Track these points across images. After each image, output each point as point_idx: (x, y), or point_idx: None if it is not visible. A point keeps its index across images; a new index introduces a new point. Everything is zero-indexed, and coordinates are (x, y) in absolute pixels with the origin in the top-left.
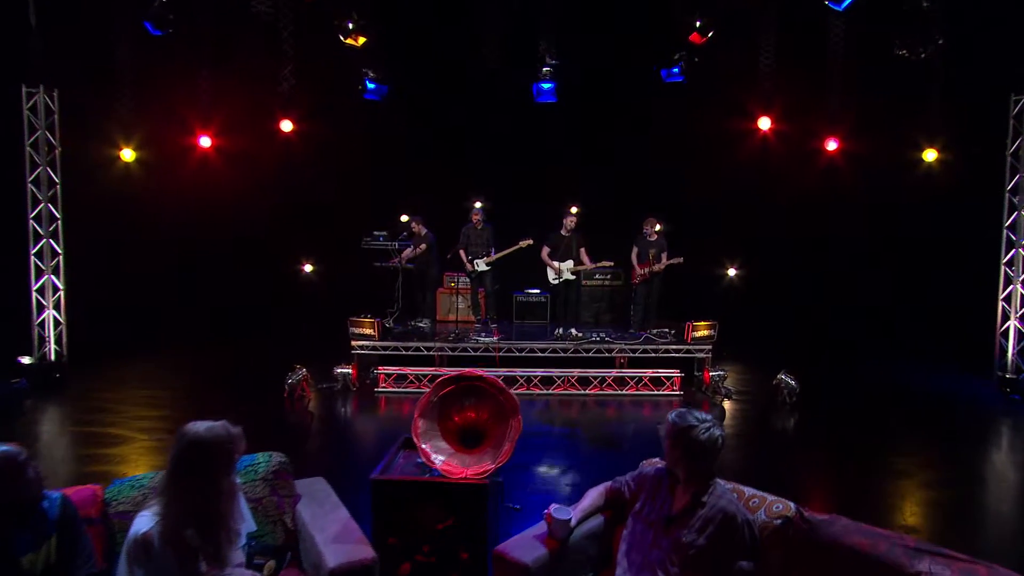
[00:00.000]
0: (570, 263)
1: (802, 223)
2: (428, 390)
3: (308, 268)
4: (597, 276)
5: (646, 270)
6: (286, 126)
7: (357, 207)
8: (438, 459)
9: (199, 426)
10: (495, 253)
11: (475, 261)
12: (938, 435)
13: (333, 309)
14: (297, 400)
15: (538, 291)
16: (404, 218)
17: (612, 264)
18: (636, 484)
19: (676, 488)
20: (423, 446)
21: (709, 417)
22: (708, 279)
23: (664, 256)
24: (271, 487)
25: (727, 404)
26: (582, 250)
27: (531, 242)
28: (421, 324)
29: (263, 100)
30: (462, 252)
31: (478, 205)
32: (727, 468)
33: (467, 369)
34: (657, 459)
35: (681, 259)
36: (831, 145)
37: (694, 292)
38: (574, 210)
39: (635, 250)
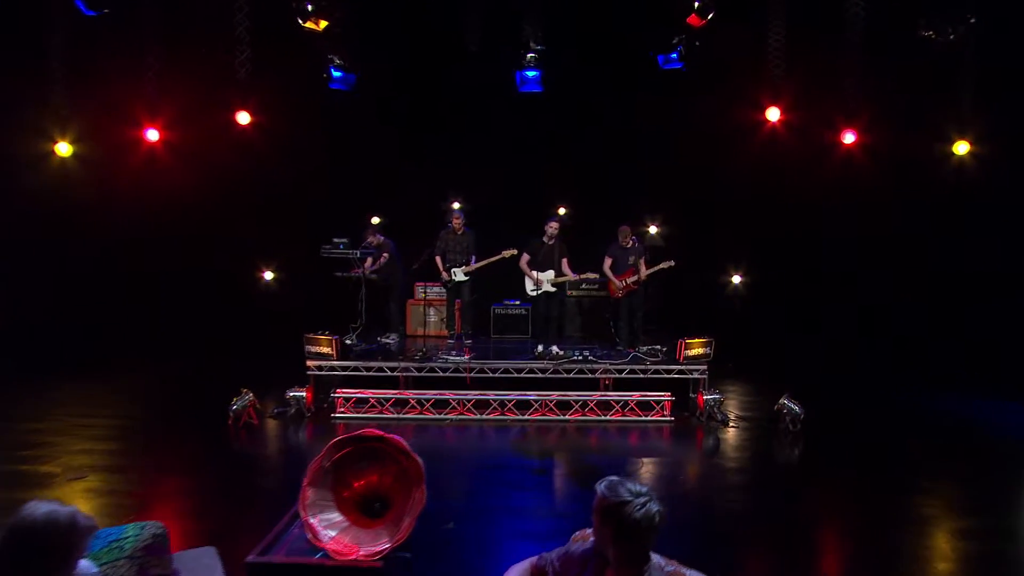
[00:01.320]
0: (551, 273)
1: (814, 225)
2: (320, 454)
3: (268, 275)
4: (584, 286)
5: (630, 279)
6: (243, 118)
7: (321, 208)
8: (327, 535)
9: (37, 510)
10: (475, 262)
11: (452, 270)
12: (966, 470)
13: (294, 321)
14: (242, 428)
15: (519, 303)
16: (375, 220)
17: (597, 276)
18: (561, 566)
19: (606, 572)
20: (310, 520)
21: (645, 489)
22: (710, 287)
23: (643, 263)
24: (139, 566)
25: (726, 431)
26: (564, 260)
27: (515, 252)
28: (388, 340)
29: (217, 89)
30: (438, 259)
31: (457, 207)
32: (722, 512)
33: (366, 429)
34: (590, 531)
35: (672, 263)
36: (848, 137)
37: (694, 302)
38: (561, 211)
39: (609, 260)
